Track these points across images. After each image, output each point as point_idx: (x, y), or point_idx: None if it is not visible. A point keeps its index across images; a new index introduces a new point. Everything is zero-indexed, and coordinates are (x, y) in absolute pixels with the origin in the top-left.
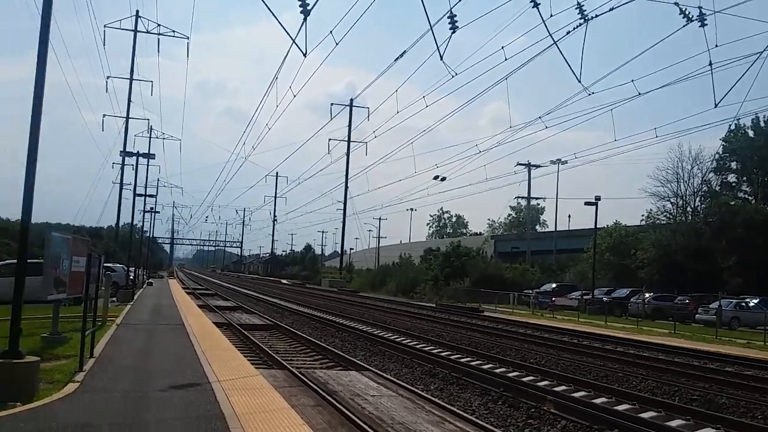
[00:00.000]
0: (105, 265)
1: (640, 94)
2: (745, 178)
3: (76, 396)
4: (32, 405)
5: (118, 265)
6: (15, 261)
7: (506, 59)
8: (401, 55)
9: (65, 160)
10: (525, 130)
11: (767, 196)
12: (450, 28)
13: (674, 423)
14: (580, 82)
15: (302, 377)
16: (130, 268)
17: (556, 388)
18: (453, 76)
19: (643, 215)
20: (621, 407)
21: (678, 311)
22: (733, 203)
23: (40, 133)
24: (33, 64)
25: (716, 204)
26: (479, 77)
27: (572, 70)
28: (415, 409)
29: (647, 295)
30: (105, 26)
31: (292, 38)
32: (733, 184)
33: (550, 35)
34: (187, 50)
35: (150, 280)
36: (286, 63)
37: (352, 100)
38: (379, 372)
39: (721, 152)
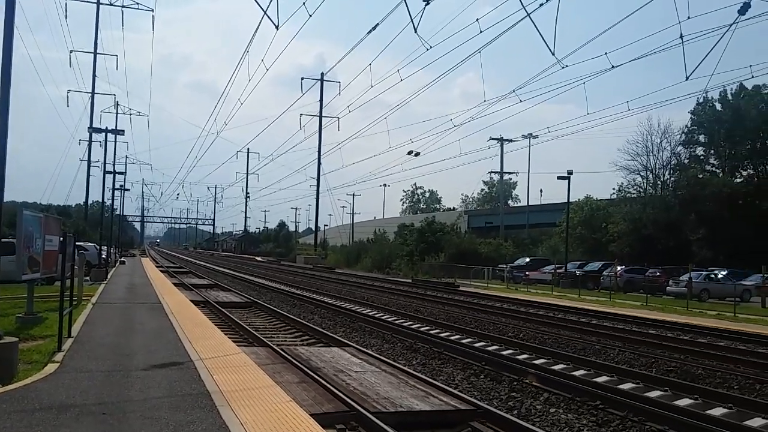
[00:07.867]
0: (77, 244)
1: (612, 66)
2: (712, 151)
3: (57, 376)
4: (13, 386)
5: (89, 243)
6: None
7: (481, 32)
8: (374, 28)
9: (30, 138)
10: (499, 104)
11: (734, 169)
12: (424, 0)
13: (653, 394)
14: (553, 54)
15: (284, 354)
16: (102, 247)
17: (536, 362)
18: (427, 49)
19: (614, 189)
20: (600, 379)
21: (649, 284)
22: (701, 176)
23: (9, 110)
24: None
25: (685, 177)
26: (454, 50)
27: (546, 43)
28: (399, 384)
29: (619, 268)
30: None
31: (263, 10)
32: (701, 158)
33: (524, 7)
34: (153, 23)
35: (122, 259)
36: (256, 36)
37: (323, 74)
38: (361, 348)
39: (689, 125)
